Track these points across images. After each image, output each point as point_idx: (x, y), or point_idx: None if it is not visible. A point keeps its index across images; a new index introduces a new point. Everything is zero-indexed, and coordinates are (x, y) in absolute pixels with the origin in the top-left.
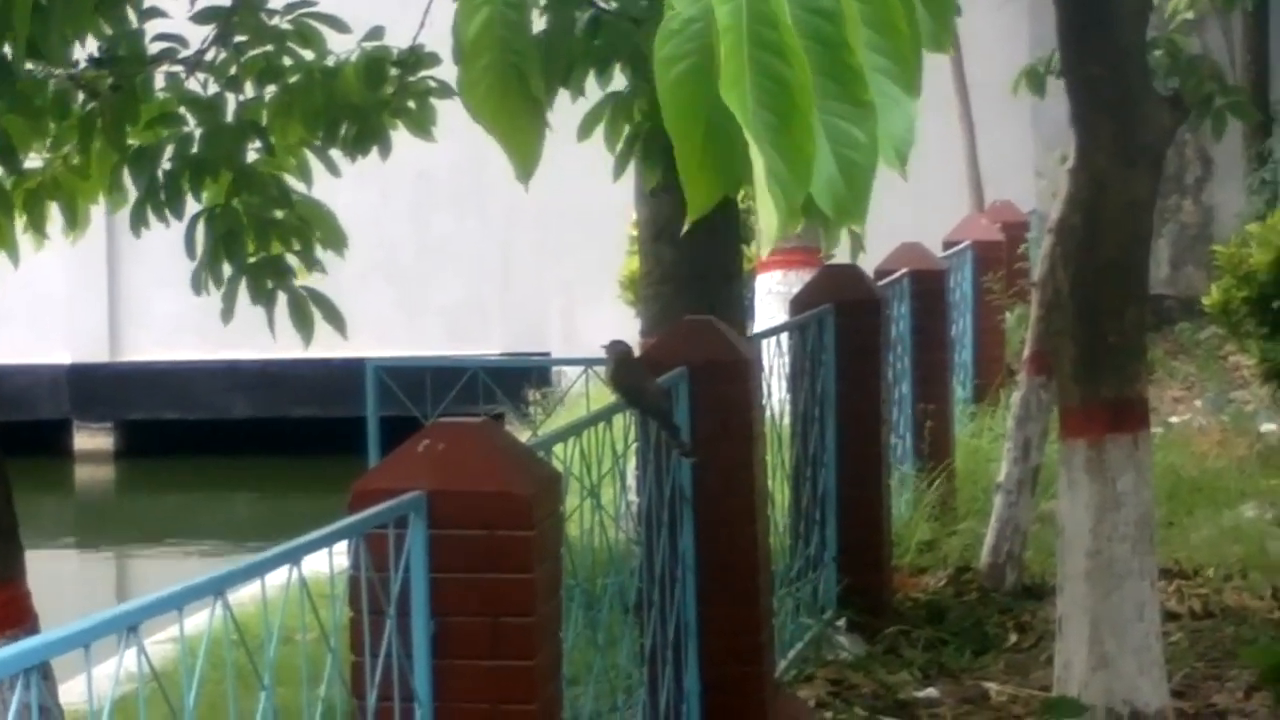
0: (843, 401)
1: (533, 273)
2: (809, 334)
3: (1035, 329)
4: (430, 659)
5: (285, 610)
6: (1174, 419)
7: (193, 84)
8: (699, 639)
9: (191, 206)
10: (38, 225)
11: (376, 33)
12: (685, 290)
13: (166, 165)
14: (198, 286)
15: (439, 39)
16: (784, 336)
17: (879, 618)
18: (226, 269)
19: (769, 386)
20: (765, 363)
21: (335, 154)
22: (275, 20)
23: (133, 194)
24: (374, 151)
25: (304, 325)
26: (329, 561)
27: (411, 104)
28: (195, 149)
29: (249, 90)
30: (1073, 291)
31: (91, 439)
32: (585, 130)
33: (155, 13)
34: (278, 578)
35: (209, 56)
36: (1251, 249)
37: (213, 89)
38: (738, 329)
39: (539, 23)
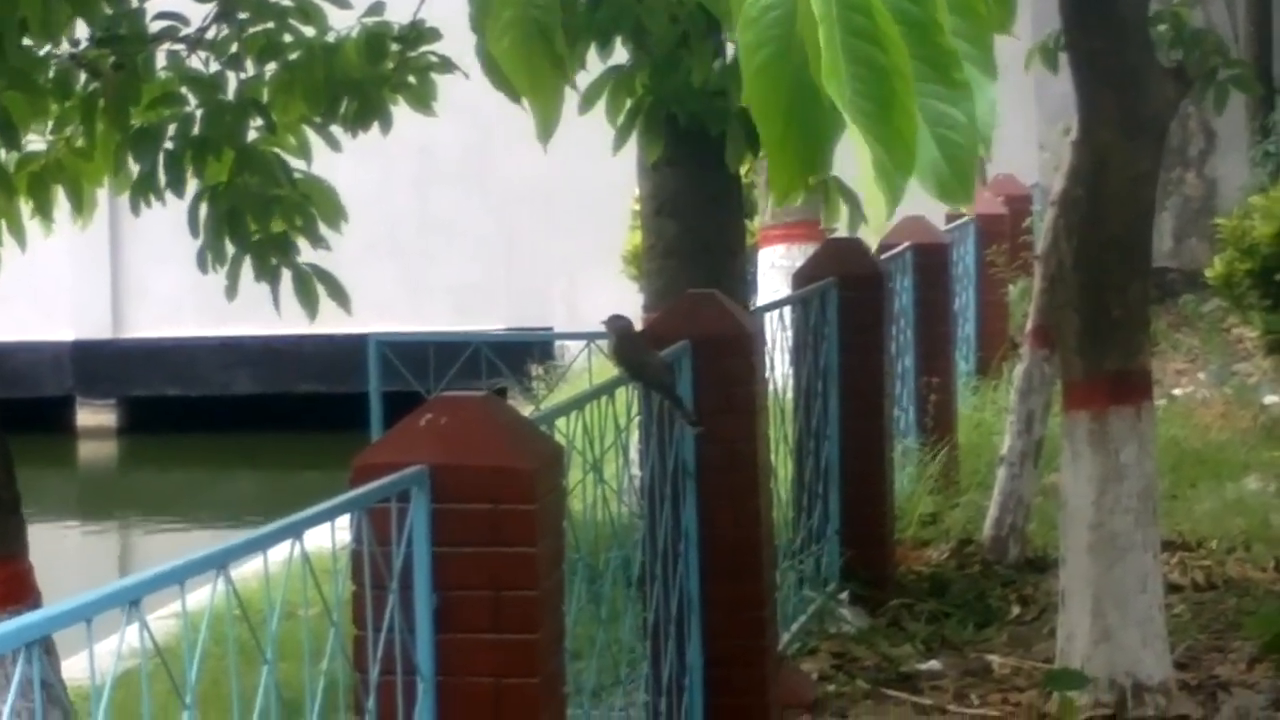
0: (845, 375)
1: (536, 248)
2: (812, 308)
3: (1038, 302)
4: (433, 633)
5: (287, 585)
6: (1177, 391)
7: (194, 62)
8: (702, 613)
9: (193, 186)
10: (44, 210)
11: (377, 8)
12: (688, 265)
13: (169, 145)
14: (203, 265)
15: (439, 14)
16: (787, 310)
17: (882, 591)
18: (230, 247)
19: (772, 360)
20: (768, 336)
21: (336, 130)
22: None
23: (136, 174)
24: (376, 128)
25: (309, 301)
26: (331, 536)
27: (412, 79)
28: (197, 128)
29: (250, 68)
30: (1076, 264)
31: (95, 415)
32: (587, 103)
33: None
34: (280, 553)
35: (210, 34)
36: (1254, 221)
37: (214, 67)
38: (741, 303)
39: None
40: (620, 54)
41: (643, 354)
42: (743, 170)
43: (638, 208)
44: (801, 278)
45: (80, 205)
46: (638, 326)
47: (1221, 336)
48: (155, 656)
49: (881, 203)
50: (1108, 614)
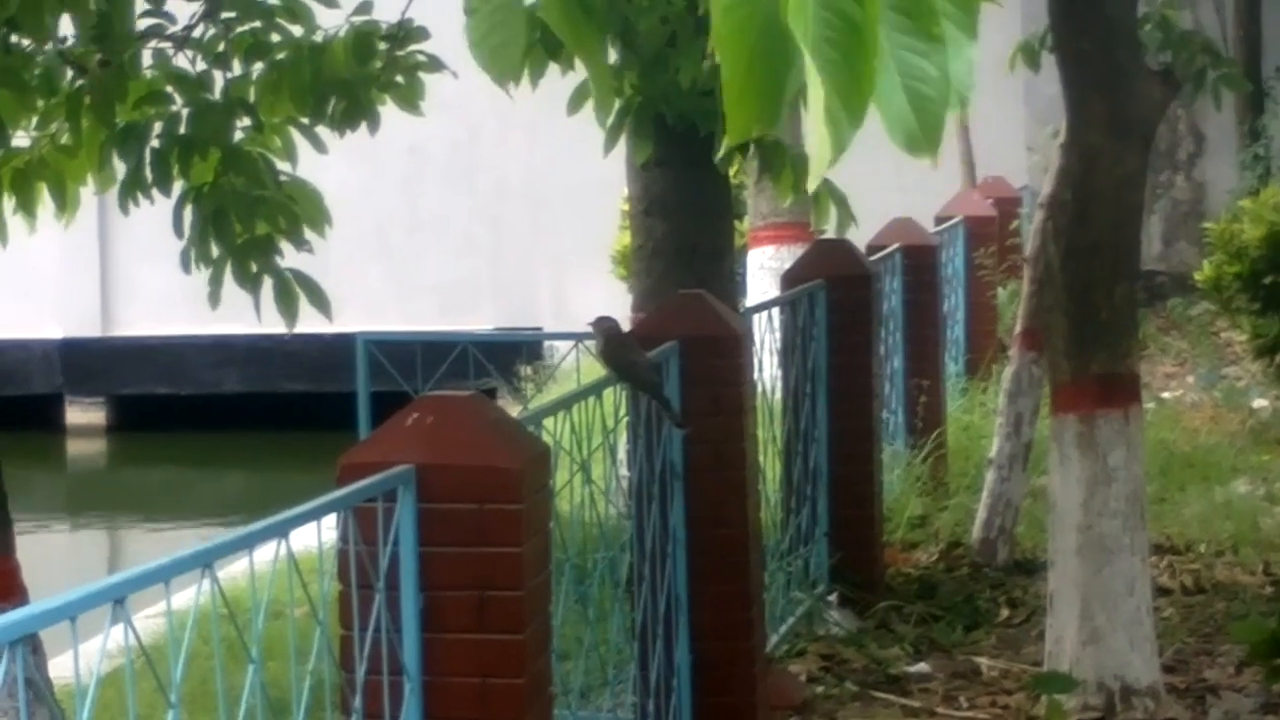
0: (834, 376)
1: (524, 248)
2: (800, 309)
3: (1027, 304)
4: (419, 633)
5: (274, 584)
6: (1166, 395)
7: (180, 61)
8: (689, 614)
9: (180, 186)
10: (28, 207)
11: (365, 7)
12: (676, 265)
13: (155, 144)
14: (186, 266)
15: (427, 13)
16: (775, 311)
17: (870, 593)
18: (215, 248)
19: (760, 361)
20: (757, 337)
21: (323, 130)
22: None
23: (121, 173)
24: (364, 127)
25: (289, 309)
26: (318, 535)
27: (400, 79)
28: (183, 127)
29: (237, 67)
30: (1064, 267)
31: (83, 413)
32: (575, 104)
33: None
34: (268, 552)
35: (197, 33)
36: (1243, 225)
37: (200, 66)
38: (729, 304)
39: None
40: (610, 55)
41: (630, 354)
42: (732, 171)
43: (627, 207)
44: (790, 278)
45: (64, 203)
46: (626, 327)
47: (1210, 340)
48: (140, 656)
49: (827, 148)
50: (1096, 617)
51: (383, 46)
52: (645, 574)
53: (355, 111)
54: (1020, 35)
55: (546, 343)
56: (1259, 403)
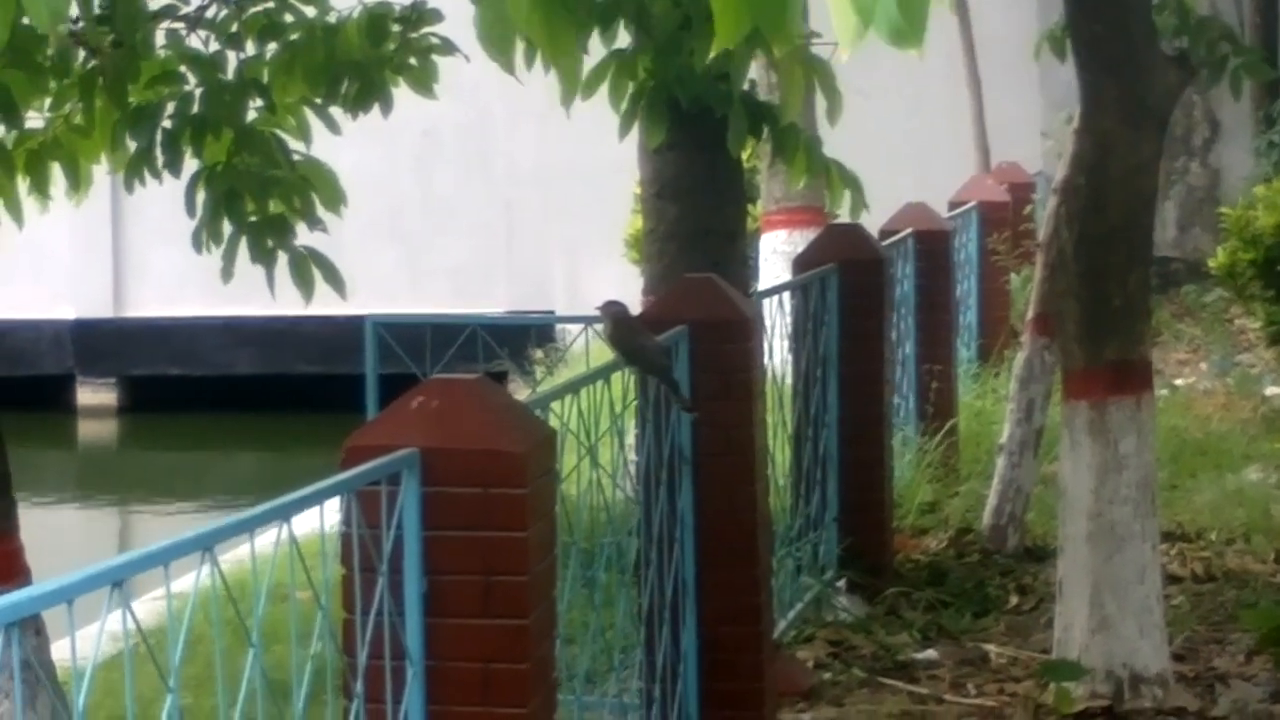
0: (845, 361)
1: (537, 231)
2: (812, 293)
3: (1039, 290)
4: (422, 617)
5: (275, 568)
6: (1179, 381)
7: (194, 41)
8: (697, 599)
9: (191, 165)
10: (41, 187)
11: None
12: (688, 248)
13: (167, 124)
14: (198, 245)
15: None
16: (787, 295)
17: (880, 579)
18: (227, 228)
19: (771, 346)
20: (768, 322)
21: (337, 112)
22: None
23: (133, 152)
24: (377, 109)
25: (305, 284)
26: (320, 519)
27: (413, 61)
28: (196, 107)
29: (250, 48)
30: (1076, 253)
31: (95, 394)
32: (589, 88)
33: None
34: (272, 535)
35: (210, 13)
36: (1258, 211)
37: (214, 46)
38: (741, 288)
39: None
40: (623, 38)
41: (638, 338)
42: (745, 155)
43: (639, 191)
44: (802, 263)
45: (77, 182)
46: (637, 310)
47: (1224, 327)
48: (139, 640)
49: (851, 16)
50: (1105, 604)
51: (396, 28)
52: (652, 559)
53: (368, 93)
54: (1035, 20)
55: (559, 326)
56: (1272, 390)
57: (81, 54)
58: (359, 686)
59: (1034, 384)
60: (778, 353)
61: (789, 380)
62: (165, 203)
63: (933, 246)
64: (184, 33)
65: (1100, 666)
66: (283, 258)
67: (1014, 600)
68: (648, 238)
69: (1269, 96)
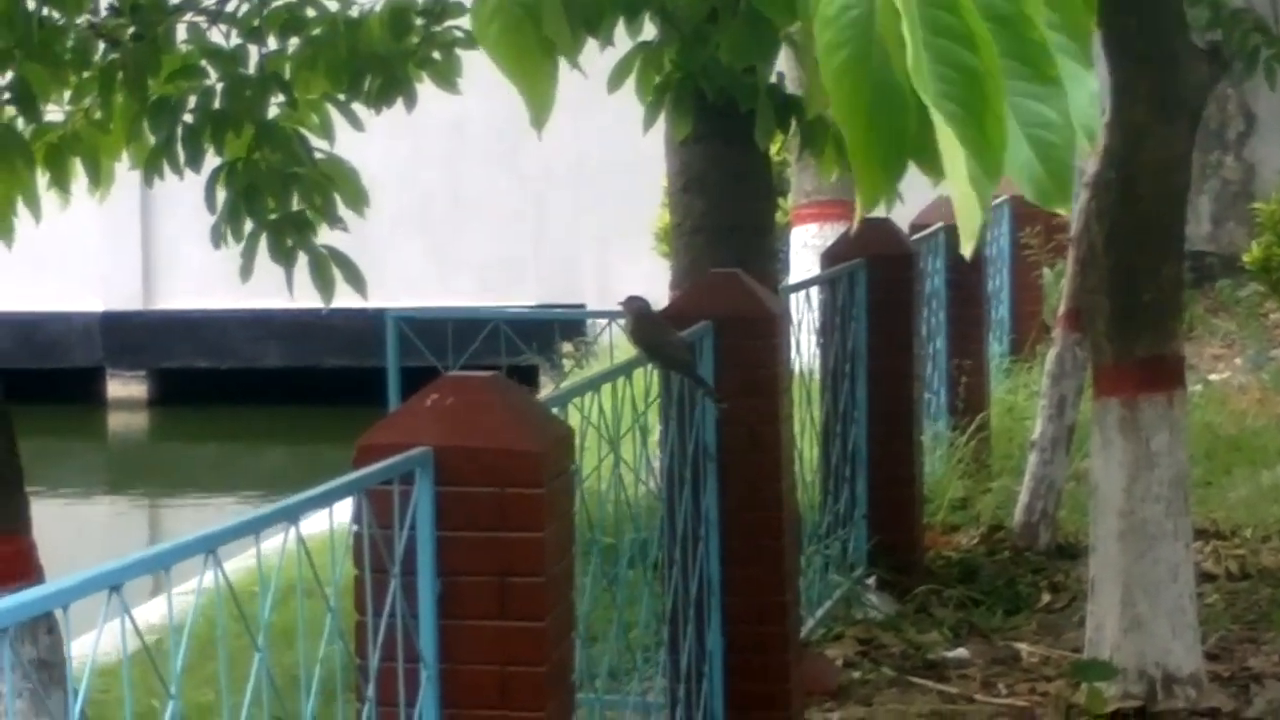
0: (874, 357)
1: (567, 224)
2: (840, 288)
3: (1071, 285)
4: (437, 619)
5: (283, 568)
6: (1213, 377)
7: (215, 35)
8: (722, 597)
9: (212, 160)
10: (61, 183)
11: None
12: (715, 243)
13: (188, 119)
14: (217, 241)
15: None
16: (815, 290)
17: (910, 576)
18: (248, 225)
19: (799, 341)
20: (795, 316)
21: (359, 107)
22: None
23: (152, 146)
24: (401, 104)
25: (325, 285)
26: (329, 518)
27: (437, 55)
28: (217, 102)
29: (272, 42)
30: (1107, 248)
31: (124, 387)
32: (615, 81)
33: None
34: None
35: (231, 7)
36: None
37: (235, 40)
38: (769, 282)
39: None
40: (649, 30)
41: (662, 334)
42: (775, 148)
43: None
44: (831, 257)
45: (98, 178)
46: (665, 304)
47: (1259, 322)
48: (141, 644)
49: (976, 211)
50: (1138, 603)
51: (419, 22)
52: (676, 557)
53: (392, 88)
54: None
55: (590, 320)
56: None
57: (101, 47)
58: (370, 690)
59: (1066, 380)
60: (806, 348)
61: (817, 376)
62: (195, 196)
63: None
64: (205, 26)
65: (1132, 666)
66: (303, 257)
67: (1046, 598)
68: (675, 232)
69: None
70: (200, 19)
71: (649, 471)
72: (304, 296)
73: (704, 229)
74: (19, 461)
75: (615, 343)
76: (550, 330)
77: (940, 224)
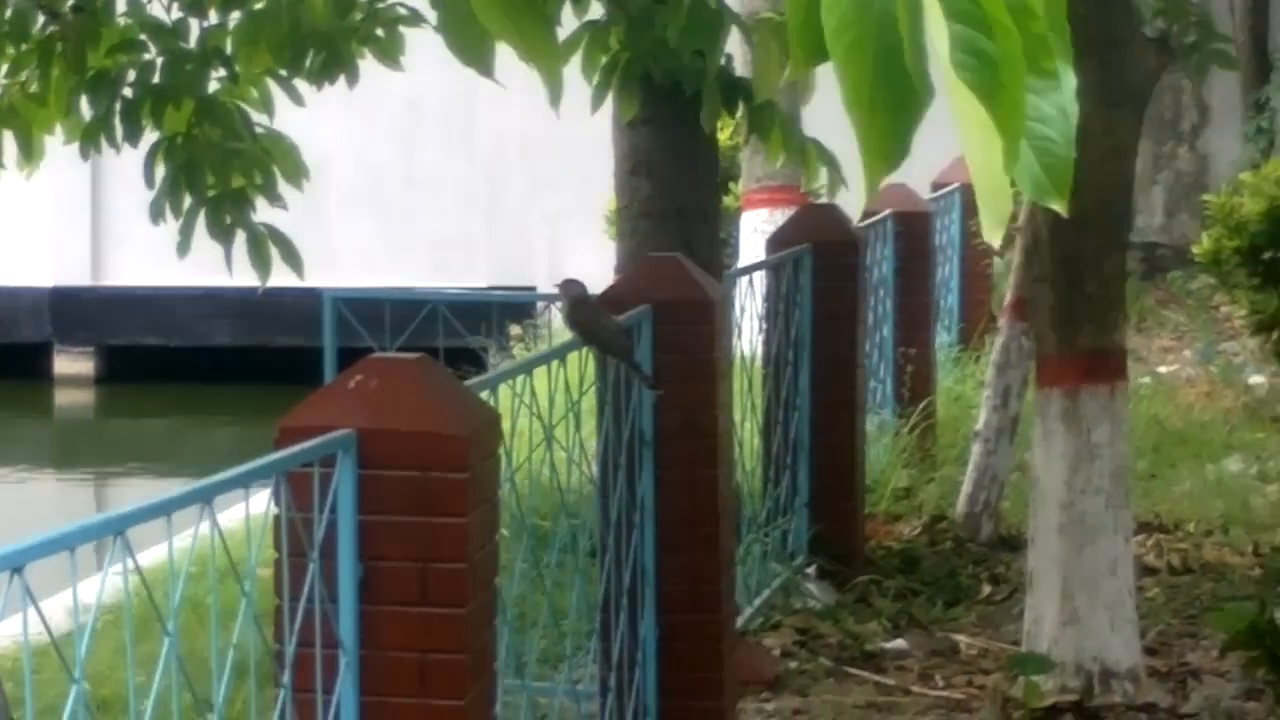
0: (818, 344)
1: (519, 205)
2: (784, 274)
3: (1017, 275)
4: (357, 604)
5: (197, 551)
6: (1162, 369)
7: (155, 9)
8: (656, 585)
9: (152, 136)
10: None
11: None
12: (661, 227)
13: (127, 93)
14: (155, 217)
15: None
16: (759, 276)
17: (850, 566)
18: (187, 200)
19: (742, 327)
20: (738, 302)
21: (300, 83)
22: None
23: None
24: (361, 80)
25: (262, 264)
26: (246, 501)
27: (380, 32)
28: (157, 77)
29: (213, 16)
30: (1051, 237)
31: (72, 363)
32: (561, 59)
33: None
34: (229, 518)
35: None
36: (1243, 198)
37: (176, 14)
38: (716, 267)
39: None
40: (595, 9)
41: (598, 318)
42: (725, 132)
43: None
44: (776, 242)
45: (30, 152)
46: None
47: (1209, 314)
48: (43, 631)
49: (1006, 201)
50: (1076, 597)
51: None
52: (610, 544)
53: (334, 64)
54: None
55: (540, 302)
56: (1255, 379)
57: (41, 19)
58: (286, 676)
59: (1011, 370)
60: (749, 334)
61: (760, 362)
62: None
63: (912, 228)
64: (145, 0)
65: (1070, 660)
66: (241, 235)
67: (986, 590)
68: (621, 215)
69: (1258, 81)
70: None
71: (583, 456)
72: (253, 275)
73: (651, 213)
74: None
75: (548, 325)
76: (499, 312)
77: (888, 211)
